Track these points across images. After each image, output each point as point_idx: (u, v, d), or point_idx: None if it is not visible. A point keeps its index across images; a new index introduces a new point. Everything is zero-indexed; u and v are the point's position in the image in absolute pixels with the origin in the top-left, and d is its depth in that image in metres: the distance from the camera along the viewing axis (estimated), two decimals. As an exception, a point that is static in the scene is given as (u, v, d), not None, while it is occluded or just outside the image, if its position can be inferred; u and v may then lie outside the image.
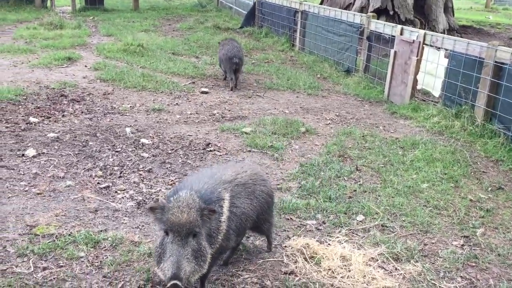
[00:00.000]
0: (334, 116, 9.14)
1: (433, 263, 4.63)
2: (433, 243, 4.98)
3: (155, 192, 5.81)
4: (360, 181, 6.32)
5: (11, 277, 3.99)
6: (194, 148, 7.21)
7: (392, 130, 8.46)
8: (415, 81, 9.54)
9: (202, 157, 6.91)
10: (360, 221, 5.30)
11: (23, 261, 4.24)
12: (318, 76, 12.02)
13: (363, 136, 7.97)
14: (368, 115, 9.33)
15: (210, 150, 7.16)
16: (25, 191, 5.49)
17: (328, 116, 9.09)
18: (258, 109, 9.33)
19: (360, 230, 5.13)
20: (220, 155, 7.03)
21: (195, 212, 3.35)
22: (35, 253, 4.34)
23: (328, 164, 6.77)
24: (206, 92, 10.11)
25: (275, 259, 4.54)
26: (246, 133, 7.83)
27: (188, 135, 7.73)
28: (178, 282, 3.13)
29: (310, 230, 5.08)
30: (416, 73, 9.47)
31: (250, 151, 7.24)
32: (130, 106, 8.82)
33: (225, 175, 4.01)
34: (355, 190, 6.03)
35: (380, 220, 5.31)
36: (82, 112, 8.31)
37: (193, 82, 10.79)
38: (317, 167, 6.65)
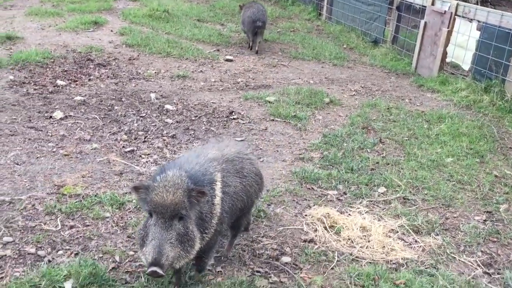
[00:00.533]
0: (359, 87, 9.03)
1: (453, 237, 4.62)
2: (455, 217, 4.96)
3: (178, 157, 5.88)
4: (383, 153, 6.28)
5: (39, 234, 4.14)
6: (218, 116, 7.23)
7: (418, 103, 8.33)
8: (444, 54, 9.31)
9: (225, 125, 6.94)
10: (382, 193, 5.30)
11: (51, 219, 4.38)
12: (345, 46, 11.82)
13: (388, 109, 7.87)
14: (394, 87, 9.19)
15: (234, 118, 7.18)
16: (53, 152, 5.62)
17: (353, 87, 8.98)
18: (283, 78, 9.26)
19: (381, 202, 5.13)
20: (243, 123, 7.04)
21: (182, 193, 3.08)
22: (63, 212, 4.47)
23: (351, 135, 6.74)
24: (230, 60, 10.06)
25: (295, 227, 4.59)
26: (269, 102, 7.81)
27: (212, 102, 7.74)
28: (158, 270, 2.90)
29: (331, 200, 5.11)
30: (446, 45, 9.23)
31: (273, 120, 7.23)
32: (155, 72, 8.85)
33: (213, 153, 3.72)
34: (377, 162, 6.00)
35: (402, 193, 5.29)
36: (108, 77, 8.39)
37: (218, 50, 10.74)
38: (340, 138, 6.62)
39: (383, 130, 7.00)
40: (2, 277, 3.59)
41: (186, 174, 3.22)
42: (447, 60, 9.39)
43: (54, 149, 5.68)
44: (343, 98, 8.39)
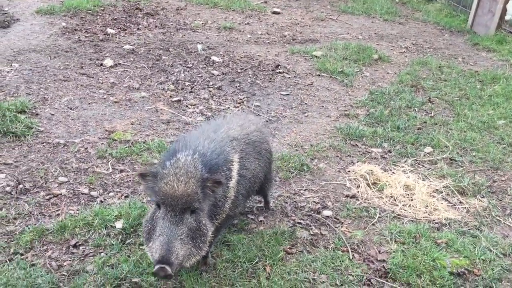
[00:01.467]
0: (410, 44, 8.73)
1: (500, 200, 4.54)
2: (502, 180, 4.84)
3: (223, 109, 5.95)
4: (431, 113, 6.13)
5: (92, 176, 4.34)
6: (263, 69, 7.20)
7: (471, 63, 8.00)
8: (504, 11, 8.81)
9: (271, 78, 6.91)
10: (428, 153, 5.21)
11: (102, 163, 4.57)
12: (397, 1, 11.37)
13: (439, 67, 7.61)
14: (447, 45, 8.83)
15: (279, 72, 7.13)
16: (104, 98, 5.79)
17: (404, 44, 8.70)
18: (330, 33, 9.06)
19: (427, 162, 5.05)
20: (289, 77, 7.00)
21: (196, 183, 2.69)
22: (113, 156, 4.65)
23: (399, 93, 6.59)
24: (277, 13, 9.89)
25: (338, 182, 4.61)
26: (316, 56, 7.69)
27: (258, 55, 7.70)
28: (167, 267, 2.53)
29: (375, 158, 5.08)
30: (506, 2, 8.72)
31: (319, 75, 7.14)
32: (202, 23, 8.84)
33: (232, 130, 3.38)
34: (425, 122, 5.87)
35: (449, 154, 5.19)
36: (156, 26, 8.44)
37: (265, 2, 10.56)
38: (387, 96, 6.49)
39: (433, 89, 6.80)
40: (58, 214, 3.81)
41: (200, 158, 2.82)
42: (506, 17, 8.89)
43: (105, 96, 5.85)
44: (392, 55, 8.15)
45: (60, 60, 6.57)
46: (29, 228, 3.55)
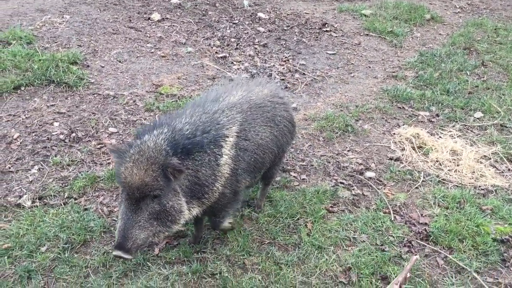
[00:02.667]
0: (465, 4, 8.33)
1: (551, 170, 4.39)
2: (555, 150, 4.67)
3: (269, 66, 5.92)
4: (484, 77, 5.90)
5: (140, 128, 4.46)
6: (310, 27, 7.07)
7: (530, 26, 7.59)
8: None
9: (317, 37, 6.79)
10: (478, 118, 5.06)
11: (150, 115, 4.68)
12: (453, -42, 10.79)
13: (495, 29, 7.26)
14: (505, 6, 8.37)
15: (326, 31, 6.99)
16: (151, 52, 5.86)
17: (458, 4, 8.31)
18: (381, -10, 8.74)
19: (476, 127, 4.91)
20: (336, 36, 6.85)
21: (156, 170, 2.52)
22: (160, 109, 4.75)
23: (450, 55, 6.35)
24: (327, -32, 9.59)
25: (382, 144, 4.57)
26: (365, 15, 7.47)
27: (305, 13, 7.55)
28: (122, 254, 2.50)
29: (421, 121, 4.97)
30: None
31: (367, 35, 6.96)
32: (249, -22, 8.68)
33: (234, 96, 3.11)
34: (477, 86, 5.67)
35: (500, 120, 5.02)
36: (202, -19, 8.37)
37: (315, -43, 10.24)
38: (438, 58, 6.27)
39: (487, 52, 6.52)
40: (108, 163, 3.96)
41: (170, 139, 2.65)
42: None
43: (152, 50, 5.92)
44: (445, 15, 7.82)
45: (109, 13, 6.65)
46: (82, 175, 3.73)
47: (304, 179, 4.03)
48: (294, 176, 4.04)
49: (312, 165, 4.20)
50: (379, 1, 8.08)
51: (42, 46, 5.41)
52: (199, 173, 2.72)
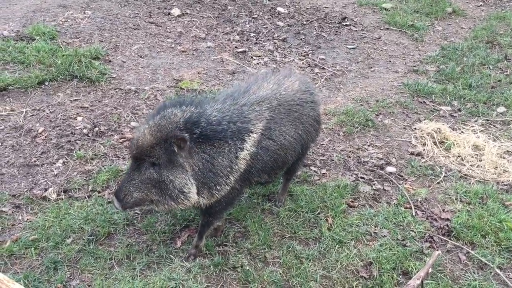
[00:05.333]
0: (488, -3, 8.20)
1: None
2: None
3: (288, 61, 5.92)
4: (507, 71, 5.81)
5: (161, 122, 4.50)
6: (330, 21, 7.04)
7: (556, 19, 7.43)
8: None
9: (337, 31, 6.76)
10: (501, 113, 4.99)
11: (170, 110, 4.72)
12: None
13: (519, 23, 7.14)
14: (530, -1, 8.22)
15: (346, 25, 6.95)
16: (172, 47, 5.91)
17: (481, -3, 8.18)
18: (402, -16, 8.64)
19: (499, 122, 4.85)
20: (356, 30, 6.81)
21: (156, 139, 2.62)
22: (181, 104, 4.79)
23: (473, 49, 6.27)
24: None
25: (403, 139, 4.54)
26: (385, 9, 7.41)
27: (325, 7, 7.51)
28: (114, 200, 2.75)
29: (443, 116, 4.93)
30: None
31: (387, 29, 6.90)
32: (268, -28, 8.67)
33: (264, 89, 3.06)
34: (499, 80, 5.59)
35: (524, 115, 4.95)
36: (222, -24, 8.38)
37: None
38: (460, 52, 6.19)
39: (510, 46, 6.42)
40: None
41: (191, 118, 2.69)
42: None
43: (173, 45, 5.96)
44: (467, 8, 7.71)
45: (130, 8, 6.71)
46: (105, 168, 3.79)
47: (324, 173, 4.03)
48: (314, 171, 4.05)
49: (333, 160, 4.20)
50: (400, -5, 8.00)
51: (65, 42, 5.50)
52: (215, 161, 2.73)
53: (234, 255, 3.12)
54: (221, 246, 3.19)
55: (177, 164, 2.66)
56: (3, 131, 4.13)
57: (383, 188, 3.89)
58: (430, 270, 2.90)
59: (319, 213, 3.52)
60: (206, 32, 6.41)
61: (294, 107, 3.10)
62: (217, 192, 2.79)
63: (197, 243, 3.10)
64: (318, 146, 4.36)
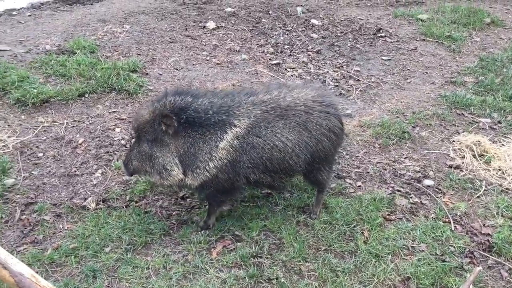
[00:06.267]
0: (528, 7, 8.00)
1: None
2: None
3: (322, 73, 5.91)
4: (550, 82, 5.64)
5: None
6: (364, 33, 7.00)
7: None
8: None
9: (371, 43, 6.71)
10: (544, 125, 4.84)
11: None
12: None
13: (561, 33, 6.93)
14: None
15: (381, 36, 6.90)
16: (207, 60, 5.99)
17: (521, 7, 7.99)
18: (438, -6, 8.53)
19: (542, 135, 4.70)
20: (391, 42, 6.75)
21: (150, 118, 3.09)
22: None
23: (513, 60, 6.12)
24: (381, -27, 9.47)
25: (441, 152, 4.45)
26: (421, 20, 7.32)
27: (359, 18, 7.48)
28: (122, 165, 3.40)
29: (482, 128, 4.81)
30: None
31: (424, 40, 6.81)
32: (302, -15, 8.71)
33: (267, 94, 3.28)
34: (542, 92, 5.42)
35: None
36: (256, -11, 8.47)
37: (368, -38, 10.13)
38: (499, 63, 6.05)
39: (553, 57, 6.23)
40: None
41: (183, 105, 3.08)
42: None
43: (208, 58, 6.04)
44: (507, 18, 7.53)
45: (167, 22, 6.86)
46: (142, 179, 3.85)
47: (359, 186, 3.99)
48: (349, 183, 4.01)
49: (368, 172, 4.15)
50: (436, 6, 7.89)
51: (104, 55, 5.65)
52: (197, 146, 3.09)
53: (269, 267, 3.11)
54: (256, 258, 3.19)
55: (164, 143, 3.13)
56: (45, 142, 4.26)
57: (421, 201, 3.81)
58: (471, 286, 2.82)
59: (354, 226, 3.47)
60: (240, 45, 6.48)
61: (298, 113, 3.21)
62: (197, 175, 3.13)
63: (205, 220, 3.43)
64: (353, 158, 4.32)
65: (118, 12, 6.99)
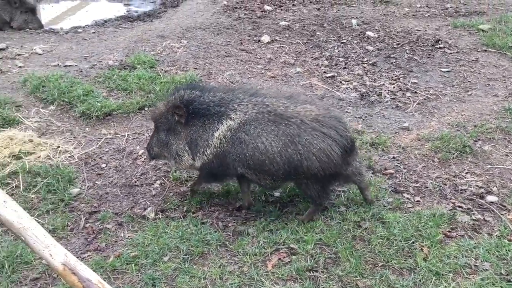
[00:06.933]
0: None
1: None
2: None
3: (378, 85, 5.83)
4: None
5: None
6: (422, 44, 6.86)
7: None
8: None
9: (430, 54, 6.56)
10: None
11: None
12: None
13: None
14: None
15: (439, 47, 6.73)
16: (261, 73, 6.06)
17: None
18: (500, 3, 8.25)
19: None
20: (451, 53, 6.57)
21: (165, 109, 3.58)
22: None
23: None
24: (439, -17, 9.26)
25: (505, 166, 4.27)
26: (483, 30, 7.08)
27: (416, 30, 7.34)
28: (145, 150, 3.98)
29: (550, 143, 4.57)
30: None
31: (485, 51, 6.58)
32: (357, -3, 8.67)
33: (272, 100, 3.47)
34: None
35: None
36: (310, 2, 8.51)
37: (425, -28, 9.94)
38: None
39: None
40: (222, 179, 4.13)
41: (191, 98, 3.52)
42: None
43: (262, 71, 6.12)
44: None
45: (222, 37, 7.01)
46: (198, 190, 3.93)
47: (418, 201, 3.89)
48: (407, 198, 3.91)
49: (427, 187, 4.04)
50: (498, 15, 7.62)
51: (163, 70, 5.85)
52: (198, 133, 3.51)
53: (325, 281, 3.08)
54: (311, 271, 3.17)
55: (177, 132, 3.59)
56: (107, 153, 4.45)
57: (484, 218, 3.67)
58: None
59: (413, 242, 3.38)
60: (295, 58, 6.51)
61: (291, 125, 3.35)
62: (198, 158, 3.55)
63: (192, 186, 3.93)
64: (411, 173, 4.22)
65: (176, 28, 7.22)
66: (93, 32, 7.23)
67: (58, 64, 5.97)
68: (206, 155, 3.52)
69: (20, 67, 5.93)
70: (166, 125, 3.61)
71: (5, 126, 4.68)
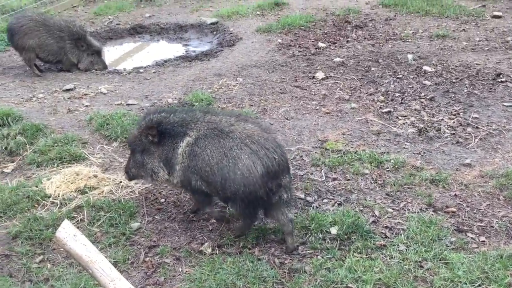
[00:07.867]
0: None
1: None
2: None
3: (436, 120, 5.70)
4: None
5: (307, 182, 4.60)
6: (482, 78, 6.68)
7: None
8: None
9: (491, 88, 6.38)
10: None
11: (316, 170, 4.81)
12: None
13: None
14: None
15: (501, 81, 6.53)
16: (316, 109, 6.09)
17: None
18: None
19: None
20: (513, 86, 6.35)
21: (138, 133, 3.90)
22: (326, 164, 4.86)
23: None
24: (498, 17, 9.05)
25: None
26: (547, 62, 6.82)
27: (476, 64, 7.17)
28: (125, 175, 4.22)
29: None
30: None
31: (550, 83, 6.32)
32: (412, 32, 8.60)
33: (221, 117, 3.84)
34: None
35: None
36: (364, 38, 8.53)
37: (483, 5, 9.76)
38: None
39: None
40: (278, 215, 4.14)
41: (161, 120, 3.85)
42: None
43: (317, 107, 6.14)
44: None
45: (277, 74, 7.13)
46: (254, 227, 3.95)
47: (483, 241, 3.72)
48: (471, 238, 3.76)
49: (492, 226, 3.87)
50: None
51: (220, 107, 6.00)
52: (169, 152, 3.83)
53: (385, 324, 2.98)
54: (370, 313, 3.07)
55: (151, 152, 3.90)
56: (166, 188, 4.57)
57: (557, 261, 3.44)
58: None
59: (479, 285, 3.23)
60: (349, 94, 6.51)
61: (227, 139, 3.64)
62: (173, 176, 3.87)
63: (192, 207, 4.24)
64: (474, 211, 4.06)
65: (232, 66, 7.42)
66: (154, 72, 7.56)
67: (121, 103, 6.27)
68: (176, 171, 3.83)
69: (86, 106, 6.27)
70: (141, 147, 3.92)
71: (72, 162, 4.93)
